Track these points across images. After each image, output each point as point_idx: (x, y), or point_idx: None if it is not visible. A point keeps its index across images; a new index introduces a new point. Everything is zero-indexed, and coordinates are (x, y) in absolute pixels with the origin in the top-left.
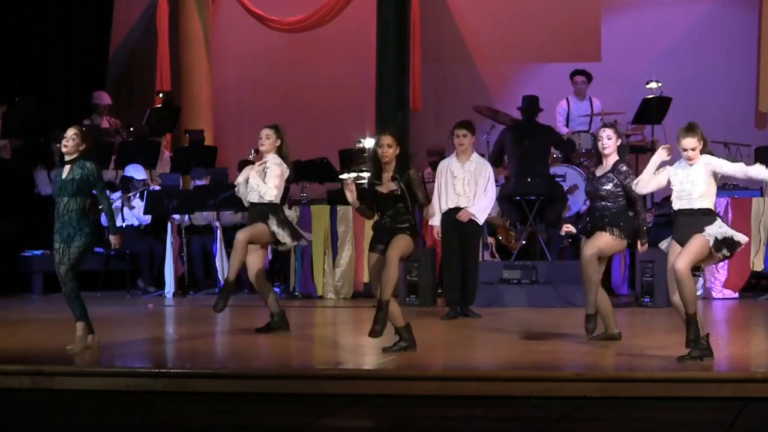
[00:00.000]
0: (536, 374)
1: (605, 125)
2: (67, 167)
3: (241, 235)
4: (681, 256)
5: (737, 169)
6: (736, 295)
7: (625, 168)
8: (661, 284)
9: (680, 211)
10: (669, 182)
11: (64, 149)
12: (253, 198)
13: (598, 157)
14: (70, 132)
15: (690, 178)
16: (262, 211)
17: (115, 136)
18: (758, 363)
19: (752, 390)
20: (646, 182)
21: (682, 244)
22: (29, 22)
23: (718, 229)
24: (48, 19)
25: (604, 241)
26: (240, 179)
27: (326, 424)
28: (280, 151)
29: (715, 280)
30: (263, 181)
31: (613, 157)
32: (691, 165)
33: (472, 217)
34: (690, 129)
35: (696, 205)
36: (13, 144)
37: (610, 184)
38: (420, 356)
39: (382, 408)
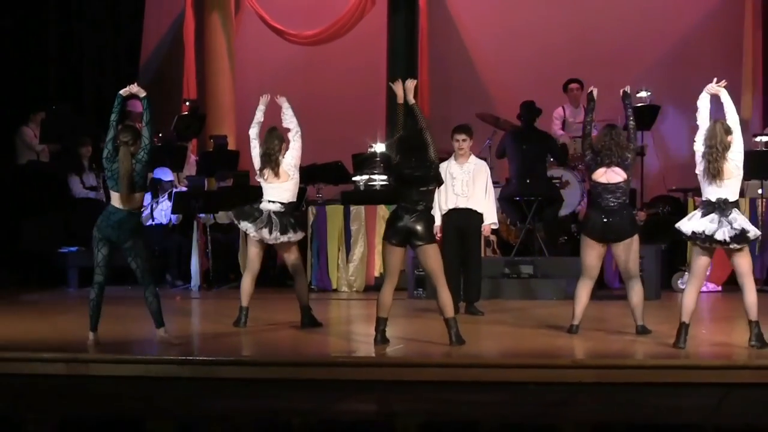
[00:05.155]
0: (535, 361)
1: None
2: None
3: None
4: None
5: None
6: (719, 288)
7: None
8: (651, 277)
9: None
10: None
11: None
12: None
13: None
14: None
15: None
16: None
17: None
18: (739, 352)
19: (733, 376)
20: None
21: None
22: (66, 38)
23: None
24: (84, 34)
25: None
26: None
27: (341, 407)
28: None
29: None
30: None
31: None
32: None
33: (493, 227)
34: None
35: None
36: (51, 149)
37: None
38: (426, 345)
39: (391, 392)
